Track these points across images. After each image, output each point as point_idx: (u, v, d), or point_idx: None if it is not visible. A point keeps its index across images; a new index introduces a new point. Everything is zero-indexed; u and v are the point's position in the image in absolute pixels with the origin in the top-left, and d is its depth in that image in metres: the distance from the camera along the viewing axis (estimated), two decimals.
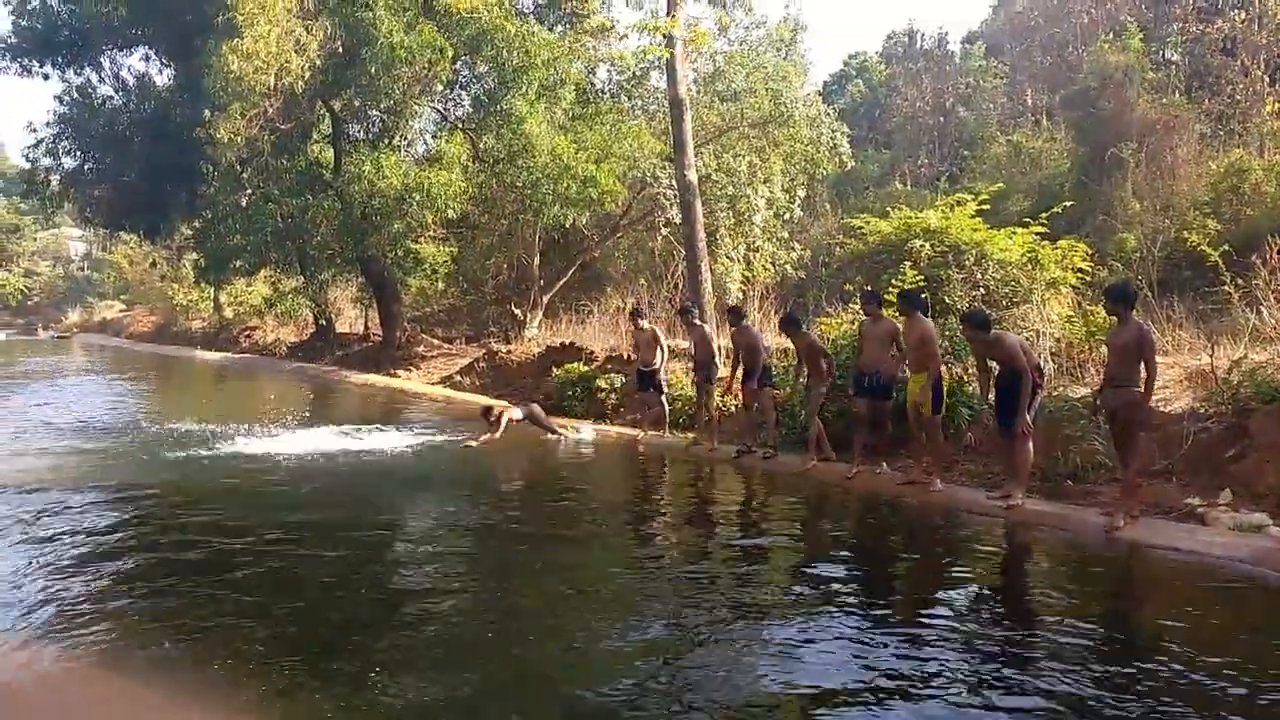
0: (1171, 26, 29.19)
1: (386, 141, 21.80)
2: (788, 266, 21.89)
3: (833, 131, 22.38)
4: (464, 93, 22.37)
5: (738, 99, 22.50)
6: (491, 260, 24.34)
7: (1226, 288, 11.62)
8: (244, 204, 21.37)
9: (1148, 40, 27.23)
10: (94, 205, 27.29)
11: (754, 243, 21.55)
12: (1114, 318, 7.55)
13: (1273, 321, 11.91)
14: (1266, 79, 25.27)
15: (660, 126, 21.68)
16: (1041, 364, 9.64)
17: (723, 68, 22.99)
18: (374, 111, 21.76)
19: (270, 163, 20.84)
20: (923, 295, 10.17)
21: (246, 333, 32.60)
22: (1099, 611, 5.78)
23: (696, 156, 18.91)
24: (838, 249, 21.02)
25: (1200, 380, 10.01)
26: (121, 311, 48.50)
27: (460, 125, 22.24)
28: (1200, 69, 27.48)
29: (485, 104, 20.66)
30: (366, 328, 28.34)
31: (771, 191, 21.76)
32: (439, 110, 22.67)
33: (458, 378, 19.25)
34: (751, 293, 20.63)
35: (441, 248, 23.17)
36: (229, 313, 34.58)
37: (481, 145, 21.08)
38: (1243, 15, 26.61)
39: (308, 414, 15.25)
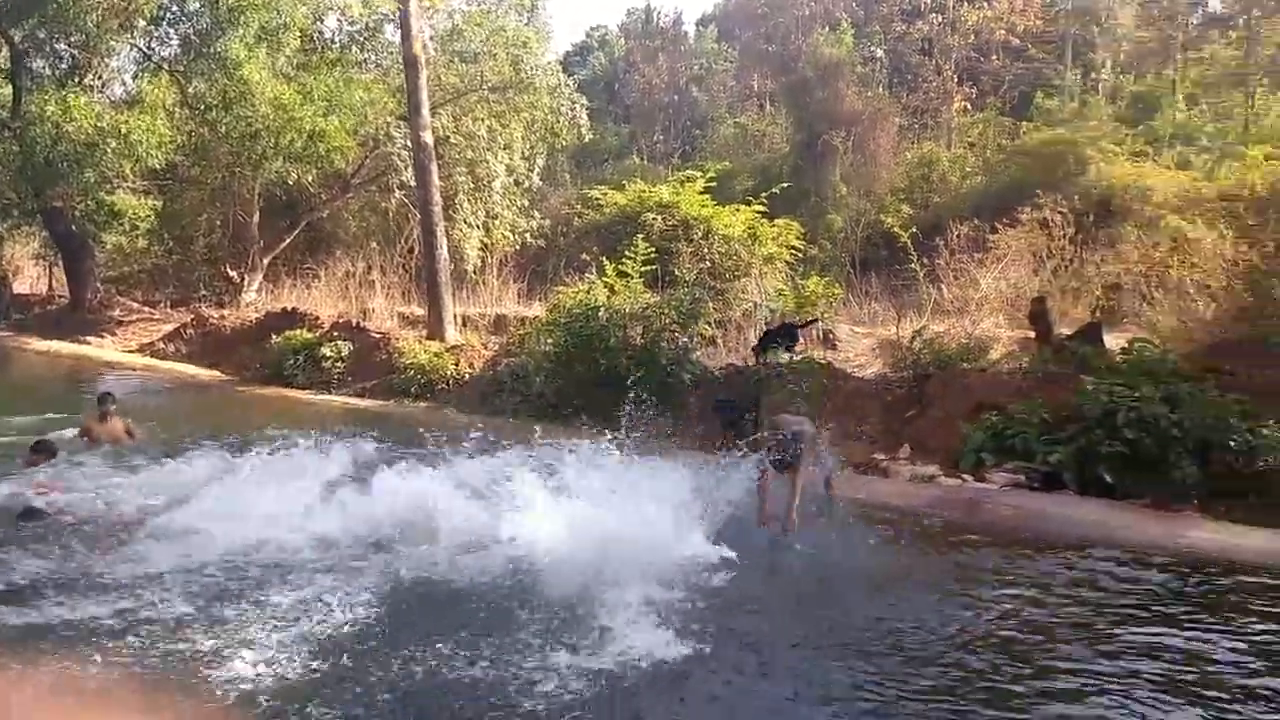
0: (878, 25, 31.99)
1: (77, 80, 19.38)
2: (527, 235, 21.80)
3: (572, 102, 22.47)
4: (172, 30, 20.17)
5: (477, 61, 21.97)
6: (203, 217, 22.27)
7: (914, 266, 12.98)
8: None
9: (858, 36, 29.65)
10: None
11: (493, 209, 21.24)
12: None
13: (950, 296, 13.47)
14: (956, 79, 28.41)
15: (395, 83, 20.72)
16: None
17: (461, 27, 22.35)
18: (62, 45, 19.29)
19: None
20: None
21: None
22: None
23: (434, 118, 18.28)
24: (576, 219, 21.27)
25: (890, 349, 11.11)
26: None
27: (166, 66, 20.06)
28: (901, 66, 30.40)
29: (196, 45, 18.81)
30: (51, 288, 25.09)
31: (511, 158, 21.53)
32: (141, 48, 20.32)
33: (161, 345, 17.57)
34: (490, 260, 20.39)
35: (144, 200, 20.98)
36: None
37: (191, 90, 19.18)
38: (939, 19, 29.69)
39: None
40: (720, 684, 4.22)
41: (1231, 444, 7.38)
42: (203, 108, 19.01)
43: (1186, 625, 4.91)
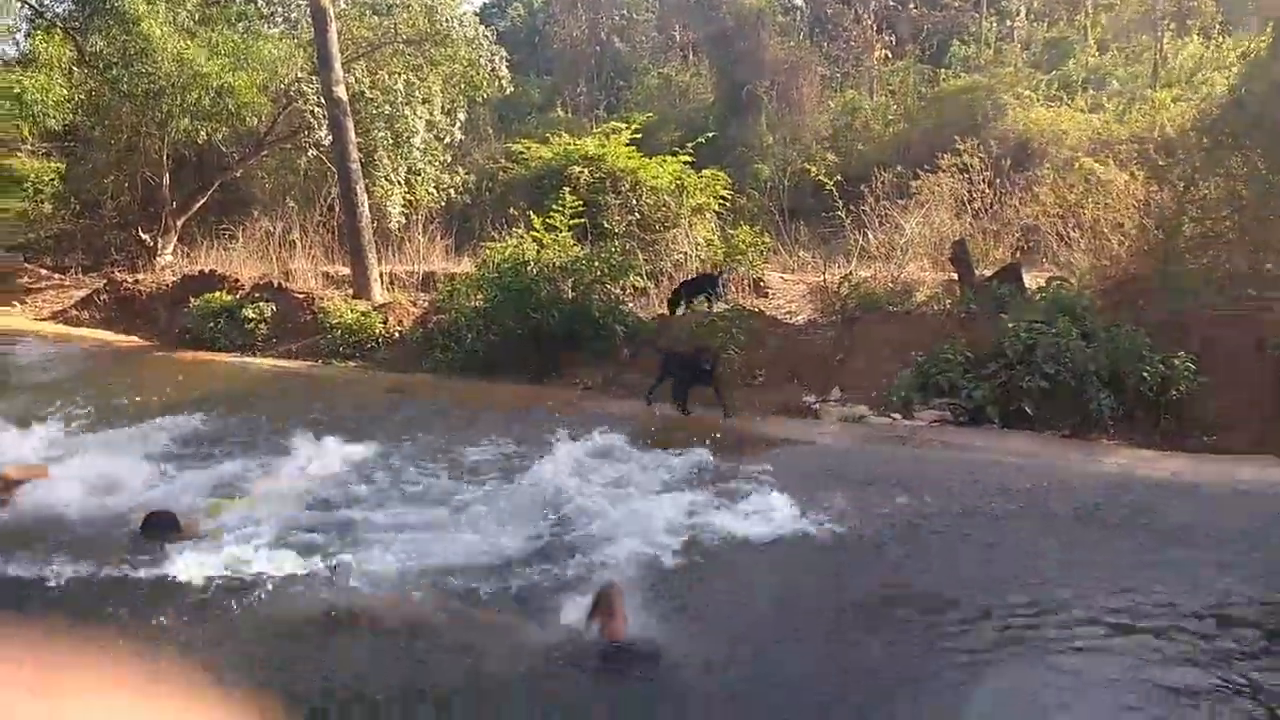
0: None
1: None
2: (452, 191, 21.37)
3: (492, 54, 21.92)
4: None
5: (390, 13, 21.26)
6: (110, 179, 21.28)
7: (840, 214, 13.12)
8: None
9: None
10: None
11: (415, 165, 20.73)
12: None
13: (876, 242, 13.67)
14: (875, 27, 28.54)
15: (305, 37, 19.96)
16: None
17: None
18: None
19: None
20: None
21: None
22: None
23: (348, 72, 17.72)
24: (501, 173, 20.94)
25: (820, 295, 11.26)
26: None
27: (60, 23, 19.00)
28: (821, 15, 30.42)
29: (92, 0, 17.83)
30: None
31: (431, 113, 20.95)
32: (33, 5, 19.21)
33: (74, 312, 16.87)
34: (416, 217, 19.96)
35: (46, 163, 19.98)
36: None
37: (88, 47, 18.21)
38: None
39: None
40: None
41: (1145, 375, 7.70)
42: (102, 65, 18.09)
43: None
